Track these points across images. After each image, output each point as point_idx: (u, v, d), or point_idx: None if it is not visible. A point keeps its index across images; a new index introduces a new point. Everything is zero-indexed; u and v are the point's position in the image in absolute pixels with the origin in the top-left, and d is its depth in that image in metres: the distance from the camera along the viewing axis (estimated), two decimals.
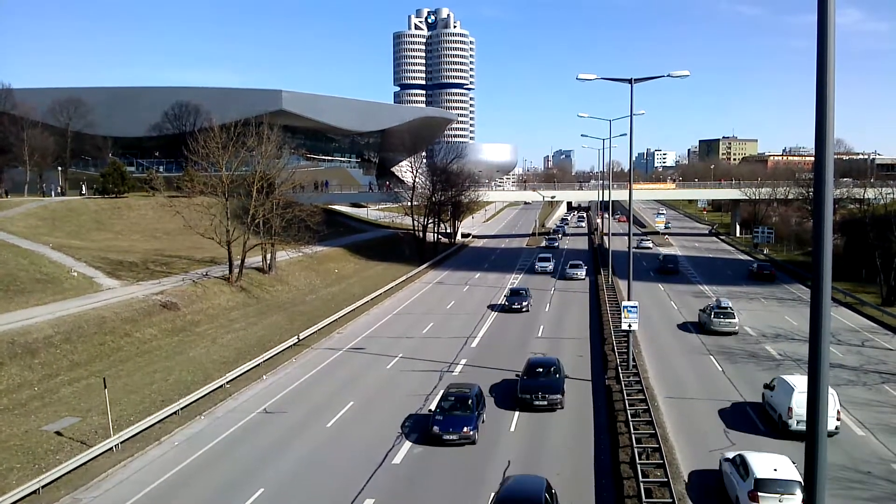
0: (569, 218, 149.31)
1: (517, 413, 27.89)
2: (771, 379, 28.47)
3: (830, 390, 23.04)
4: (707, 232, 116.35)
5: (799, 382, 25.40)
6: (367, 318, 48.67)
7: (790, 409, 24.93)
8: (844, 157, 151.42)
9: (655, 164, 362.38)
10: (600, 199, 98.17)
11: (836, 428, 24.44)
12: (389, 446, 24.68)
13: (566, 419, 27.38)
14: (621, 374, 30.89)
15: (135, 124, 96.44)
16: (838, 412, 24.58)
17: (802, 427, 23.12)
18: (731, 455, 21.06)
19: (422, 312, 50.38)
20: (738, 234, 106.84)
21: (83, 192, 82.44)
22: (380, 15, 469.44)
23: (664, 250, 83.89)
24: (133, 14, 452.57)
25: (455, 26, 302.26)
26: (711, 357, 36.59)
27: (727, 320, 41.72)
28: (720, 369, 34.27)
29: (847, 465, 22.21)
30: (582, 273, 64.66)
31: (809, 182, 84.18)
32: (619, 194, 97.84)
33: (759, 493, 18.65)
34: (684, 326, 44.28)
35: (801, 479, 18.57)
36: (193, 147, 51.83)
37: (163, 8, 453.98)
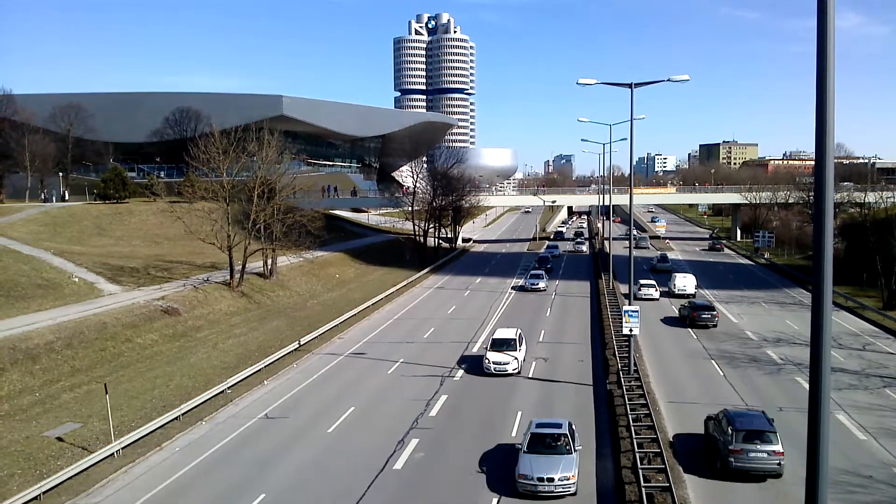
0: (563, 230, 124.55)
1: (519, 415, 27.89)
2: (672, 276, 59.36)
3: (690, 277, 58.66)
4: (708, 236, 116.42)
5: (678, 276, 58.16)
6: (367, 323, 48.65)
7: (674, 284, 56.96)
8: (845, 161, 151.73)
9: (656, 169, 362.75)
10: (601, 203, 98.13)
11: (694, 294, 55.81)
12: (391, 452, 24.64)
13: None
14: (623, 379, 30.84)
15: (136, 130, 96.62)
16: (696, 286, 57.51)
17: (678, 292, 55.78)
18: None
19: (423, 317, 50.36)
20: (738, 239, 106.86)
21: (66, 198, 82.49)
22: (380, 20, 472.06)
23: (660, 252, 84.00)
24: (133, 20, 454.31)
25: (455, 31, 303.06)
26: (713, 361, 36.56)
27: (664, 264, 72.41)
28: (721, 373, 34.24)
29: (848, 469, 22.16)
30: (567, 472, 20.80)
31: (810, 186, 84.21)
32: (620, 199, 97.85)
33: (642, 287, 54.15)
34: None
35: (654, 282, 57.19)
36: (194, 152, 51.88)
37: (162, 13, 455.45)
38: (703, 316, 45.04)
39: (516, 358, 34.00)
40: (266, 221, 54.20)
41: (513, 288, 59.29)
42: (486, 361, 34.08)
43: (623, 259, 62.63)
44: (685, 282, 56.81)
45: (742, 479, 21.83)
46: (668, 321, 47.54)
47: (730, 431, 22.18)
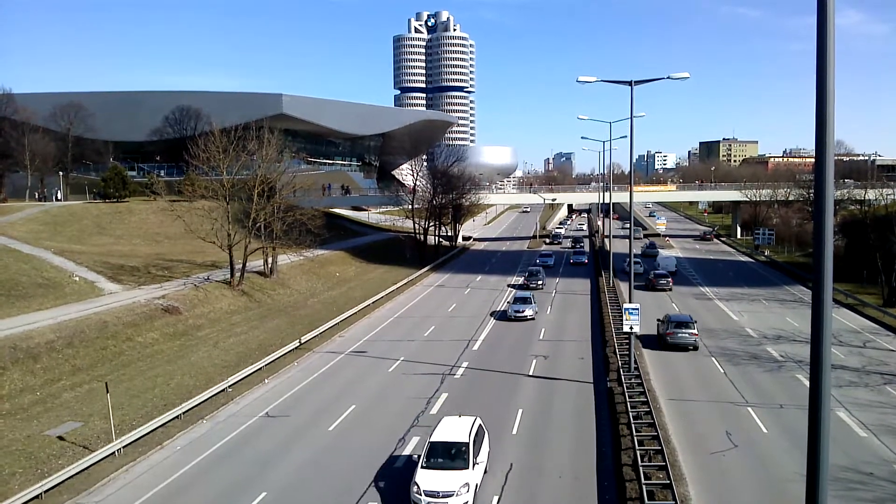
0: (562, 230, 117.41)
1: (520, 413, 27.92)
2: (656, 256, 74.18)
3: (672, 258, 73.84)
4: (702, 234, 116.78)
5: (661, 257, 72.74)
6: (368, 322, 48.67)
7: (658, 263, 67.38)
8: (845, 159, 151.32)
9: (656, 166, 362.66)
10: (601, 201, 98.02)
11: (674, 270, 65.05)
12: (392, 450, 24.67)
13: (568, 422, 27.38)
14: (623, 377, 30.86)
15: (136, 129, 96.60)
16: (676, 264, 69.23)
17: (661, 269, 62.73)
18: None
19: (423, 315, 50.37)
20: (738, 236, 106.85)
21: (58, 197, 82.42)
22: (380, 18, 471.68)
23: (665, 252, 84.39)
24: (134, 19, 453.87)
25: (455, 29, 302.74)
26: (713, 359, 36.57)
27: (652, 250, 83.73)
28: (722, 371, 34.26)
29: (849, 466, 22.17)
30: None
31: (810, 183, 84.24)
32: (620, 196, 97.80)
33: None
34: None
35: (640, 261, 63.83)
36: (194, 151, 51.90)
37: (163, 12, 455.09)
38: (661, 282, 58.86)
39: (467, 483, 19.74)
40: (266, 220, 54.20)
41: (492, 314, 49.69)
42: (415, 490, 19.66)
43: (622, 254, 63.45)
44: (667, 262, 70.11)
45: (674, 349, 38.40)
46: (637, 287, 56.16)
47: (667, 323, 39.31)
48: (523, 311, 47.15)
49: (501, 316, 48.86)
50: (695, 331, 38.41)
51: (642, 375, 31.79)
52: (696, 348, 38.32)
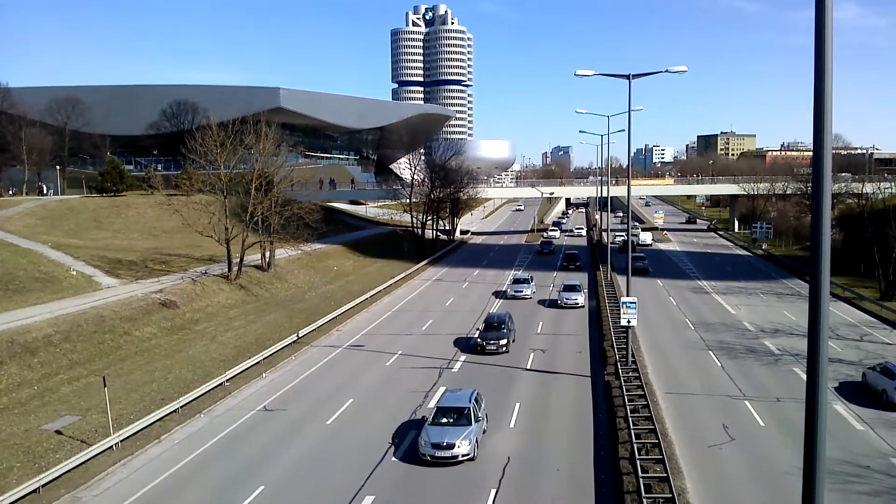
0: (556, 235, 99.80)
1: (517, 406, 27.97)
2: (638, 234, 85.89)
3: (648, 234, 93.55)
4: (706, 227, 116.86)
5: (641, 234, 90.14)
6: (366, 315, 48.67)
7: (639, 238, 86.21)
8: (842, 152, 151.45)
9: (654, 160, 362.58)
10: (599, 195, 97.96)
11: (651, 244, 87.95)
12: (389, 443, 24.70)
13: (566, 415, 27.43)
14: (620, 370, 30.90)
15: (133, 123, 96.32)
16: (653, 238, 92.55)
17: (641, 243, 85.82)
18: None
19: (421, 309, 50.39)
20: (736, 230, 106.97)
21: (45, 192, 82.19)
22: (377, 12, 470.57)
23: (663, 246, 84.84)
24: (130, 13, 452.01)
25: (453, 23, 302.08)
26: (710, 353, 36.63)
27: (634, 230, 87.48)
28: (719, 364, 34.32)
29: (846, 460, 22.22)
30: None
31: (807, 177, 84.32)
32: (618, 190, 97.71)
33: (617, 237, 79.83)
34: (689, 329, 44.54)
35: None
36: (191, 145, 51.80)
37: (159, 6, 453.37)
38: (636, 265, 64.53)
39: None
40: (264, 214, 54.14)
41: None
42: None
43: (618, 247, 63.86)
44: (645, 237, 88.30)
45: (636, 274, 51.92)
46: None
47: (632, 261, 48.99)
48: (450, 445, 22.48)
49: (410, 455, 23.66)
50: (646, 261, 65.52)
51: (640, 369, 31.80)
52: (649, 272, 63.02)
